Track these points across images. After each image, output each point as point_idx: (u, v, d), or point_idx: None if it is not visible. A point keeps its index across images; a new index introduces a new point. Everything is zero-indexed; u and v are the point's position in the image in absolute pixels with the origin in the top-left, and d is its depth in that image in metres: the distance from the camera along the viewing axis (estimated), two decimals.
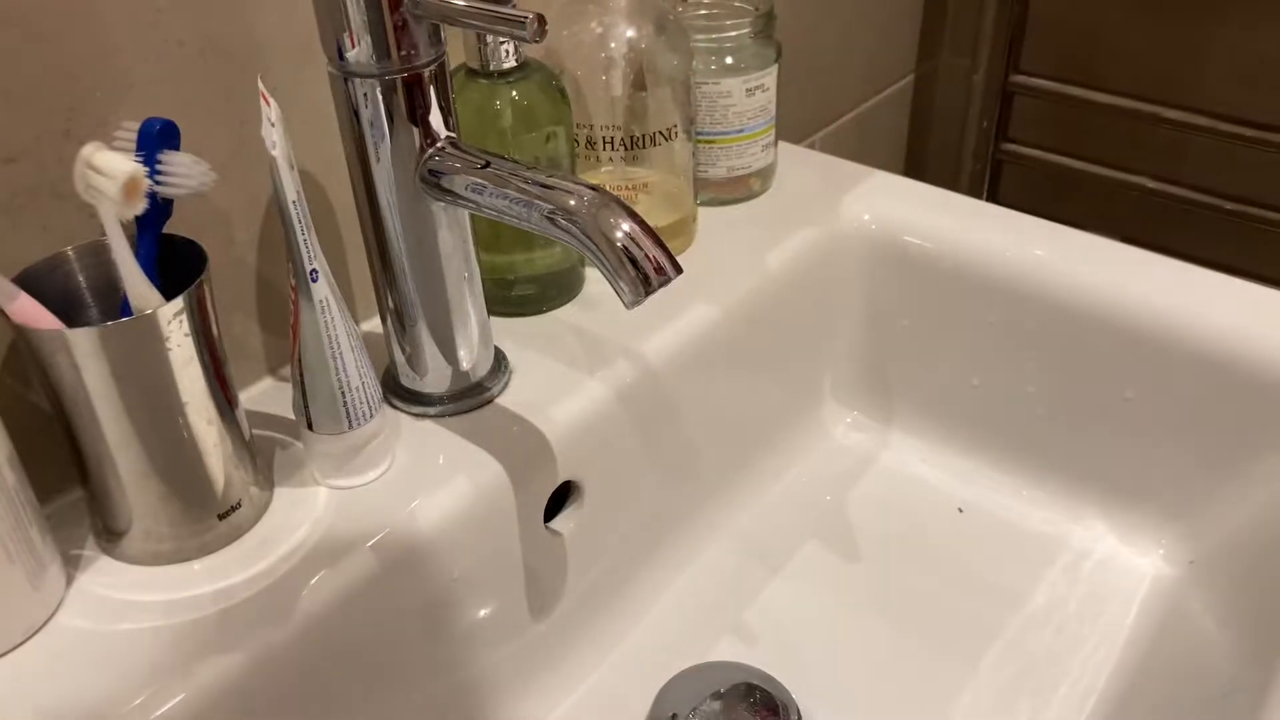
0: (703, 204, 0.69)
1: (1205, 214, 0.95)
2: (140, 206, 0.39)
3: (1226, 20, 0.91)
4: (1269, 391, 0.57)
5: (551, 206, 0.43)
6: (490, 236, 0.58)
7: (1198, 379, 0.59)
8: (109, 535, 0.45)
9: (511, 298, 0.60)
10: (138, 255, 0.42)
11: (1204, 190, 0.94)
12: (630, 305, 0.43)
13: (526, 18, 0.41)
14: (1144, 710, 0.54)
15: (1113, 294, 0.61)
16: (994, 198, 1.05)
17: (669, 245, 0.63)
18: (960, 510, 0.66)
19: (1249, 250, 0.94)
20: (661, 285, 0.42)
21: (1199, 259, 0.63)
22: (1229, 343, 0.58)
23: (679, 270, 0.42)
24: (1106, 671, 0.56)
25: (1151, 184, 0.96)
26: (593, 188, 0.43)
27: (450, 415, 0.53)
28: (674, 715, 0.54)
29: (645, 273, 0.42)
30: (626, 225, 0.42)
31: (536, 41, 0.41)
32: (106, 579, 0.45)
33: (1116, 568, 0.62)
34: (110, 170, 0.38)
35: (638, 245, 0.42)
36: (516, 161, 0.46)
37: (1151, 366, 0.60)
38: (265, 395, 0.54)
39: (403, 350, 0.52)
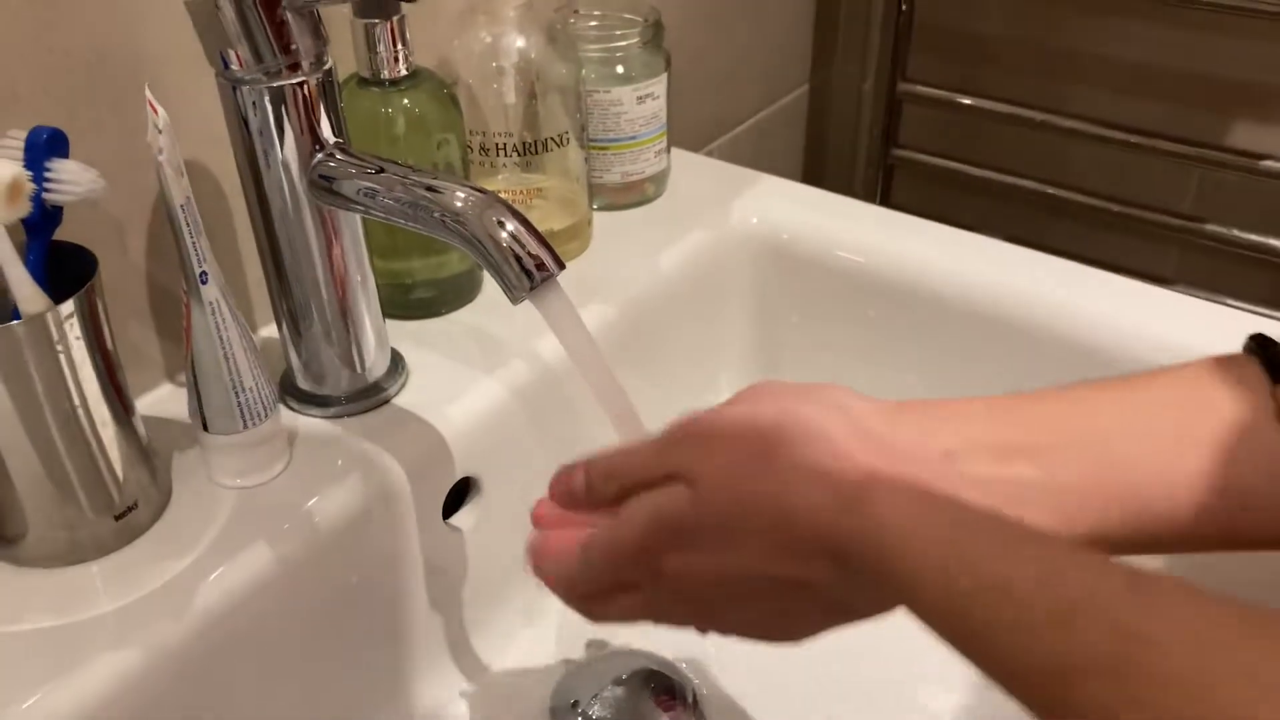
0: (598, 209, 0.71)
1: (1084, 213, 1.00)
2: (23, 210, 0.40)
3: (1101, 32, 0.96)
4: None
5: (439, 208, 0.45)
6: (387, 244, 0.59)
7: (1071, 370, 0.62)
8: (2, 540, 0.46)
9: (410, 301, 0.61)
10: (27, 262, 0.43)
11: (1083, 191, 0.99)
12: (516, 301, 0.44)
13: None
14: None
15: (990, 290, 0.64)
16: (886, 201, 1.08)
17: (565, 249, 0.66)
18: None
19: (1125, 246, 1.00)
20: (545, 281, 0.44)
21: (1079, 256, 0.66)
22: (1102, 335, 0.61)
23: (561, 266, 0.44)
24: None
25: (1033, 185, 1.00)
26: (479, 189, 0.45)
27: (347, 416, 0.54)
28: (575, 702, 0.55)
29: (528, 269, 0.44)
30: (511, 224, 0.44)
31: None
32: None
33: None
34: None
35: (520, 243, 0.44)
36: (407, 166, 0.47)
37: (1027, 358, 0.63)
38: (164, 400, 0.55)
39: (299, 354, 0.53)
